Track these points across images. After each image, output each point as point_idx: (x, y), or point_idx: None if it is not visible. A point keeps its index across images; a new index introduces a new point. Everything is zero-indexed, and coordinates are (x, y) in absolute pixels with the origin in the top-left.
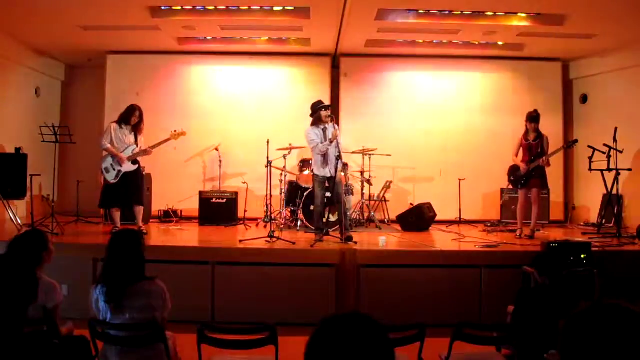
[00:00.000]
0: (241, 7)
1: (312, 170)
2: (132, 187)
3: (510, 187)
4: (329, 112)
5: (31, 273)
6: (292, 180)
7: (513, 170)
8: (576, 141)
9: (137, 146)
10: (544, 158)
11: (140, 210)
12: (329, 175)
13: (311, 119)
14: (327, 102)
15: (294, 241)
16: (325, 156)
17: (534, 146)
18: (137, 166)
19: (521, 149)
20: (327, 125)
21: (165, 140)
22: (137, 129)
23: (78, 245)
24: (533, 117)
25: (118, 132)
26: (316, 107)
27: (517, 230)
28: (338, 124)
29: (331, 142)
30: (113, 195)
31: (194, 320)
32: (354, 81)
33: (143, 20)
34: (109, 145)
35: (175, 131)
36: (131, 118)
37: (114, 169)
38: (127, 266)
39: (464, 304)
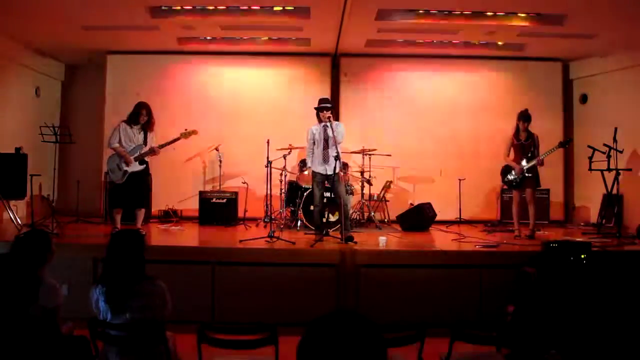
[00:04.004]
0: (241, 7)
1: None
2: (137, 189)
3: (505, 187)
4: (327, 114)
5: (33, 274)
6: (292, 180)
7: (507, 171)
8: (570, 140)
9: (146, 145)
10: (539, 158)
11: (141, 213)
12: (324, 173)
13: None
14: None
15: (294, 241)
16: (324, 154)
17: (526, 146)
18: (144, 166)
19: (512, 148)
20: (327, 124)
21: (175, 140)
22: (146, 128)
23: (78, 245)
24: (527, 116)
25: (128, 131)
26: (317, 106)
27: (514, 230)
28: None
29: (327, 134)
30: (118, 196)
31: (194, 320)
32: (354, 81)
33: (143, 20)
34: (117, 145)
35: (186, 130)
36: (139, 117)
37: (120, 169)
38: (127, 267)
39: (463, 304)
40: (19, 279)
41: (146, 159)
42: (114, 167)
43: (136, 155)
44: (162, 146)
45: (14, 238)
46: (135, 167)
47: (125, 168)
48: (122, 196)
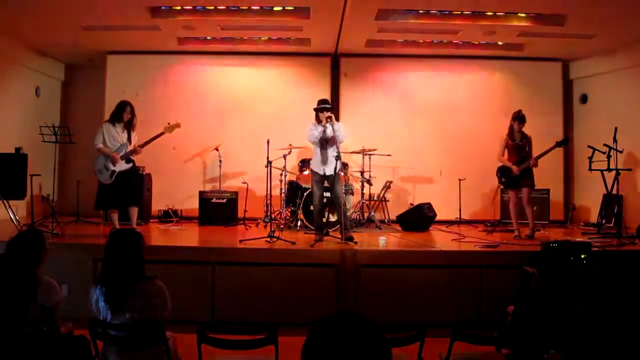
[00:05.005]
0: (241, 7)
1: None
2: (127, 188)
3: (502, 187)
4: (326, 114)
5: (30, 273)
6: (292, 180)
7: (504, 171)
8: (568, 139)
9: (130, 144)
10: (533, 159)
11: (134, 211)
12: (322, 172)
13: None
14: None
15: (294, 241)
16: (323, 154)
17: (521, 146)
18: (131, 165)
19: (506, 149)
20: (327, 125)
21: (159, 135)
22: (130, 126)
23: (78, 246)
24: (521, 117)
25: (111, 131)
26: (316, 107)
27: (514, 230)
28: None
29: (326, 135)
30: (108, 197)
31: (194, 320)
32: (354, 81)
33: (143, 20)
34: (101, 145)
35: (169, 123)
36: (122, 114)
37: (107, 169)
38: (126, 266)
39: (464, 304)
40: (17, 279)
41: (132, 157)
42: (101, 167)
43: (122, 154)
44: (143, 145)
45: (10, 238)
46: (123, 165)
47: (113, 168)
48: (113, 196)
